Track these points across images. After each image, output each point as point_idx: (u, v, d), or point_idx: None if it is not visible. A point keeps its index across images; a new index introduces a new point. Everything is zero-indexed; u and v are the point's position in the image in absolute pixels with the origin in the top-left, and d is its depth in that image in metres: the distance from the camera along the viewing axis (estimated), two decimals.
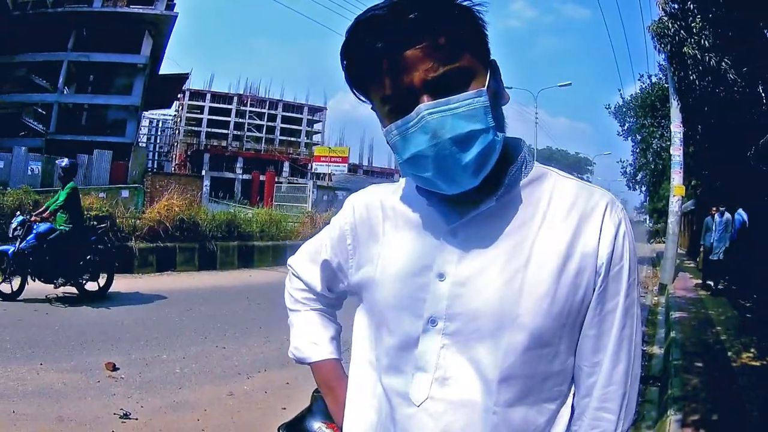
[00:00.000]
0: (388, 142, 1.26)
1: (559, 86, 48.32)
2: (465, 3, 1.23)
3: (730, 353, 7.96)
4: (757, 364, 7.36)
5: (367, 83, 1.26)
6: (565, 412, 1.30)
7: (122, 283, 12.22)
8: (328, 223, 1.67)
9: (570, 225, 1.26)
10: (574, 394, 1.33)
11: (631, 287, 1.27)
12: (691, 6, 11.17)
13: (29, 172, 29.20)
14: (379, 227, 1.46)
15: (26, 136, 37.42)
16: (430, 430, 1.28)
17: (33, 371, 6.20)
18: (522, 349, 1.22)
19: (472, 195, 1.25)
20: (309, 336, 1.70)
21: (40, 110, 39.76)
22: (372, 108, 1.30)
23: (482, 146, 1.18)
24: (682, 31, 11.85)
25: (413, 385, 1.32)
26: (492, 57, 1.29)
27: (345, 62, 1.27)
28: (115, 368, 6.48)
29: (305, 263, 1.73)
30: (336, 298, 1.73)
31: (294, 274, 1.77)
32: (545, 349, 1.24)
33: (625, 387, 1.29)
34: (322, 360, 1.66)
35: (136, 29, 39.42)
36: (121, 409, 5.35)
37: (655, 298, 15.12)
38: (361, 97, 1.30)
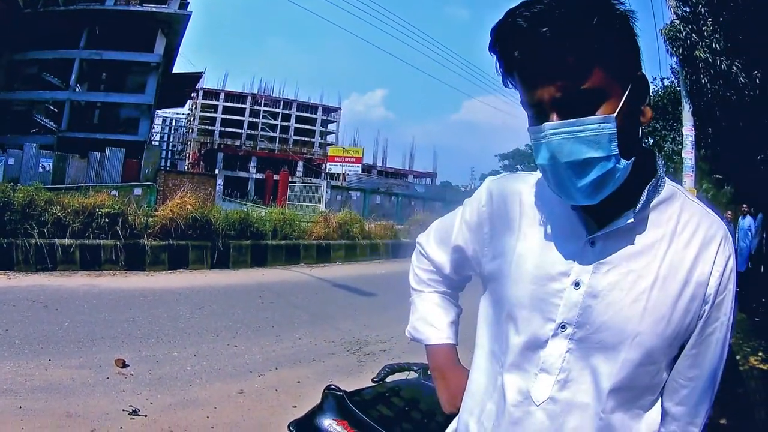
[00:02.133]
0: None
1: None
2: (613, 13, 1.22)
3: (738, 356, 7.94)
4: (765, 367, 7.33)
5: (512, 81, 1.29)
6: (653, 416, 1.39)
7: (133, 281, 12.29)
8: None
9: (691, 252, 1.32)
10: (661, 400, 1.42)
11: (731, 315, 1.35)
12: (703, 10, 11.13)
13: (40, 169, 29.41)
14: (516, 221, 1.48)
15: (37, 133, 37.55)
16: (546, 429, 1.35)
17: (41, 367, 6.17)
18: (635, 364, 1.31)
19: (612, 205, 1.29)
20: (429, 318, 1.74)
21: (51, 108, 39.83)
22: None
23: (599, 173, 1.21)
24: (693, 35, 11.76)
25: (536, 384, 1.38)
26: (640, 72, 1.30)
27: (493, 55, 1.29)
28: (124, 365, 6.47)
29: (436, 244, 1.74)
30: (461, 280, 1.76)
31: (422, 253, 1.79)
32: (652, 366, 1.34)
33: (709, 404, 1.41)
34: (439, 344, 1.71)
35: (149, 28, 39.54)
36: (130, 405, 5.33)
37: None
38: (512, 87, 1.31)
